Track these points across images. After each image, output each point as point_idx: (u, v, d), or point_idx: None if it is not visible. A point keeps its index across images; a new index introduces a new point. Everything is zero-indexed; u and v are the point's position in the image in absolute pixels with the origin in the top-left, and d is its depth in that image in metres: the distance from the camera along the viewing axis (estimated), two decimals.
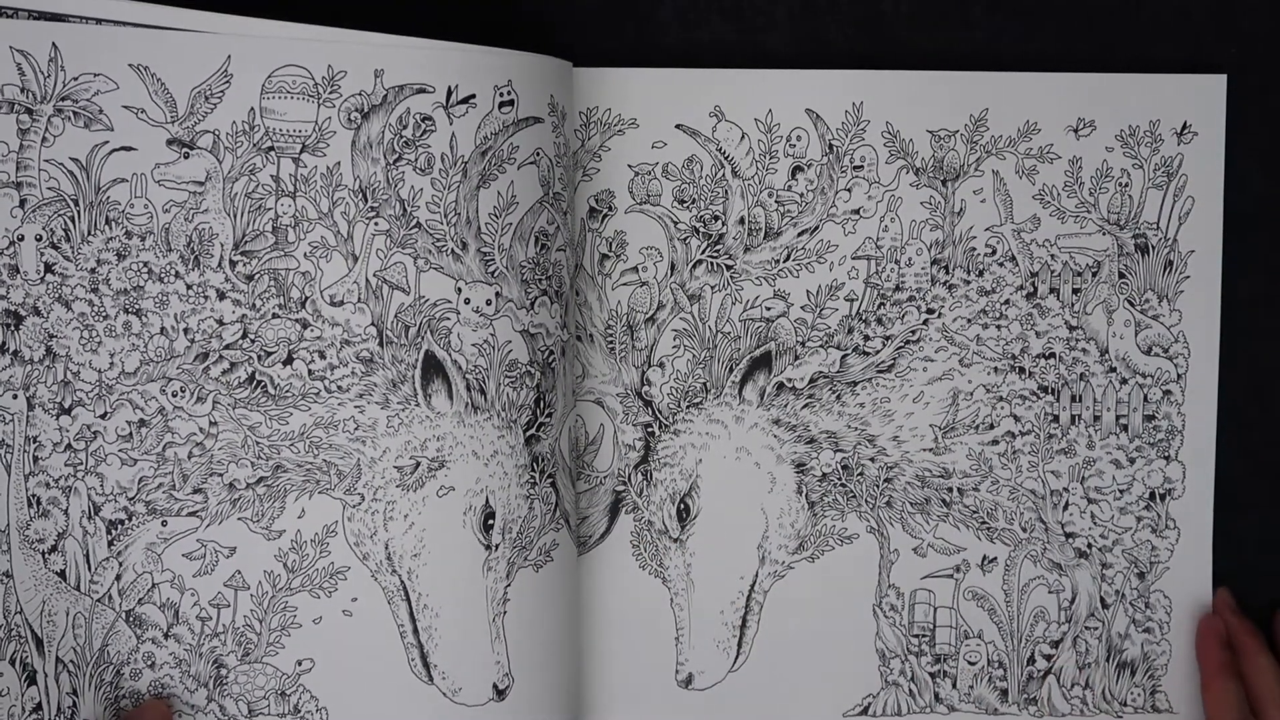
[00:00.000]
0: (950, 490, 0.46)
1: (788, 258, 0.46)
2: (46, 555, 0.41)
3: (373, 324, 0.41)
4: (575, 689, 0.44)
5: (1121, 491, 0.46)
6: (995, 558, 0.46)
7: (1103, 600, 0.46)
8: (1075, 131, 0.46)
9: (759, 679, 0.45)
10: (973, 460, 0.46)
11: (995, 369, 0.46)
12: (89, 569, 0.41)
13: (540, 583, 0.43)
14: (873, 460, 0.46)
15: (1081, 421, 0.46)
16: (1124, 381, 0.46)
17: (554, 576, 0.43)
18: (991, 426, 0.46)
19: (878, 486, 0.46)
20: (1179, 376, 0.46)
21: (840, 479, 0.46)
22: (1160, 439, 0.46)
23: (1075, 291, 0.46)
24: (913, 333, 0.46)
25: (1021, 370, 0.46)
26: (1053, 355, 0.46)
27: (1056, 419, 0.46)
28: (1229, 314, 0.46)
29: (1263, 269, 0.47)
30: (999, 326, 0.46)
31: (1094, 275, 0.46)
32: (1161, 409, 0.46)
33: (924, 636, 0.46)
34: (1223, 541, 0.47)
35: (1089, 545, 0.46)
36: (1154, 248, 0.46)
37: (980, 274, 0.46)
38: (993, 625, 0.46)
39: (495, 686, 0.42)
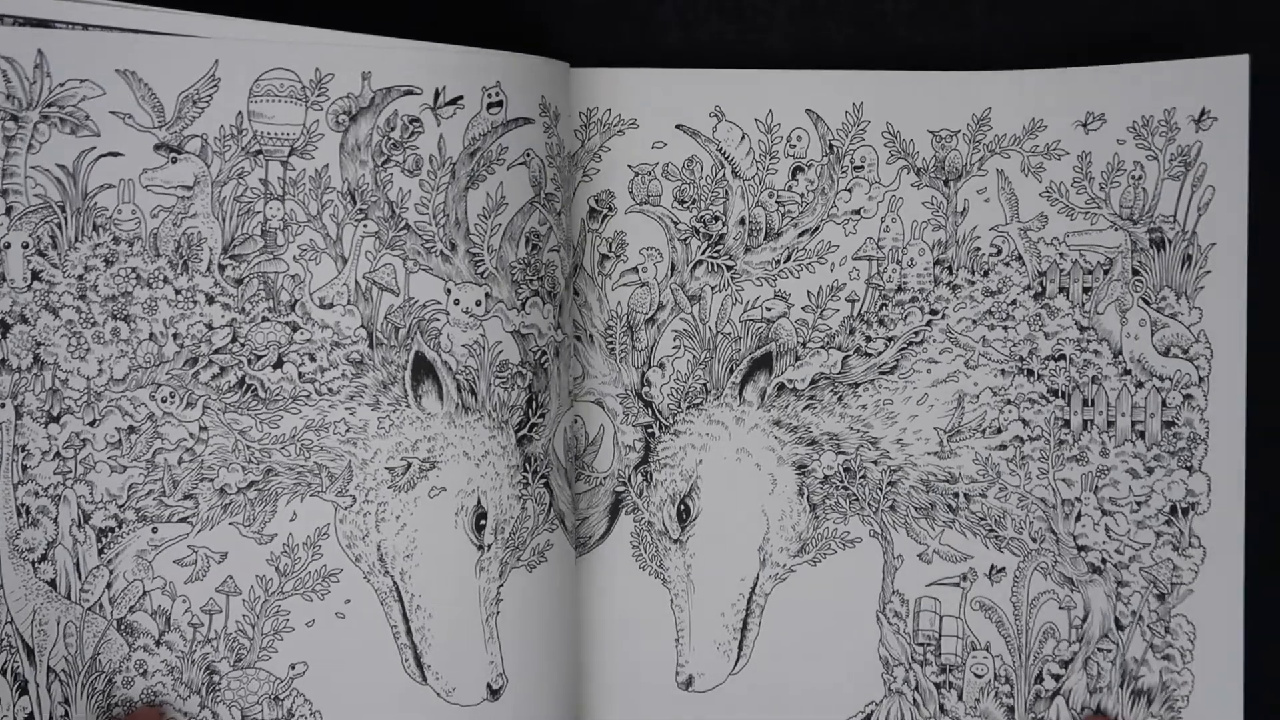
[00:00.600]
0: (956, 495, 0.45)
1: (788, 258, 0.45)
2: (36, 564, 0.40)
3: (362, 326, 0.41)
4: (572, 689, 0.44)
5: (1139, 504, 0.44)
6: (1004, 568, 0.45)
7: (1118, 621, 0.44)
8: (1084, 126, 0.45)
9: (760, 682, 0.45)
10: (980, 465, 0.45)
11: (1003, 371, 0.45)
12: (79, 577, 0.41)
13: (534, 583, 0.42)
14: (875, 463, 0.45)
15: (1094, 427, 0.44)
16: (1140, 385, 0.44)
17: (548, 577, 0.43)
18: (999, 430, 0.45)
19: (880, 490, 0.45)
20: (1201, 380, 0.44)
21: (842, 481, 0.45)
22: (1181, 447, 0.44)
23: (1086, 291, 0.44)
24: (916, 334, 0.45)
25: (1030, 373, 0.45)
26: (1063, 357, 0.45)
27: (1068, 424, 0.44)
28: (1254, 311, 0.44)
29: None
30: (1005, 328, 0.45)
31: (1105, 273, 0.44)
32: (1182, 414, 0.44)
33: (929, 645, 0.45)
34: (1250, 563, 0.44)
35: (1103, 560, 0.44)
36: (1171, 242, 0.44)
37: (985, 274, 0.45)
38: (1000, 638, 0.45)
39: (489, 686, 0.42)
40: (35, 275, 0.40)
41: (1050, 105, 0.45)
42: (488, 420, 0.42)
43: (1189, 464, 0.44)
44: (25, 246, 0.40)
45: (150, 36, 0.40)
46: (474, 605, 0.42)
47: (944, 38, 0.47)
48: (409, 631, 0.42)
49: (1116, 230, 0.45)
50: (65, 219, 0.40)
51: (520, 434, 0.42)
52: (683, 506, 0.45)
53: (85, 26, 0.40)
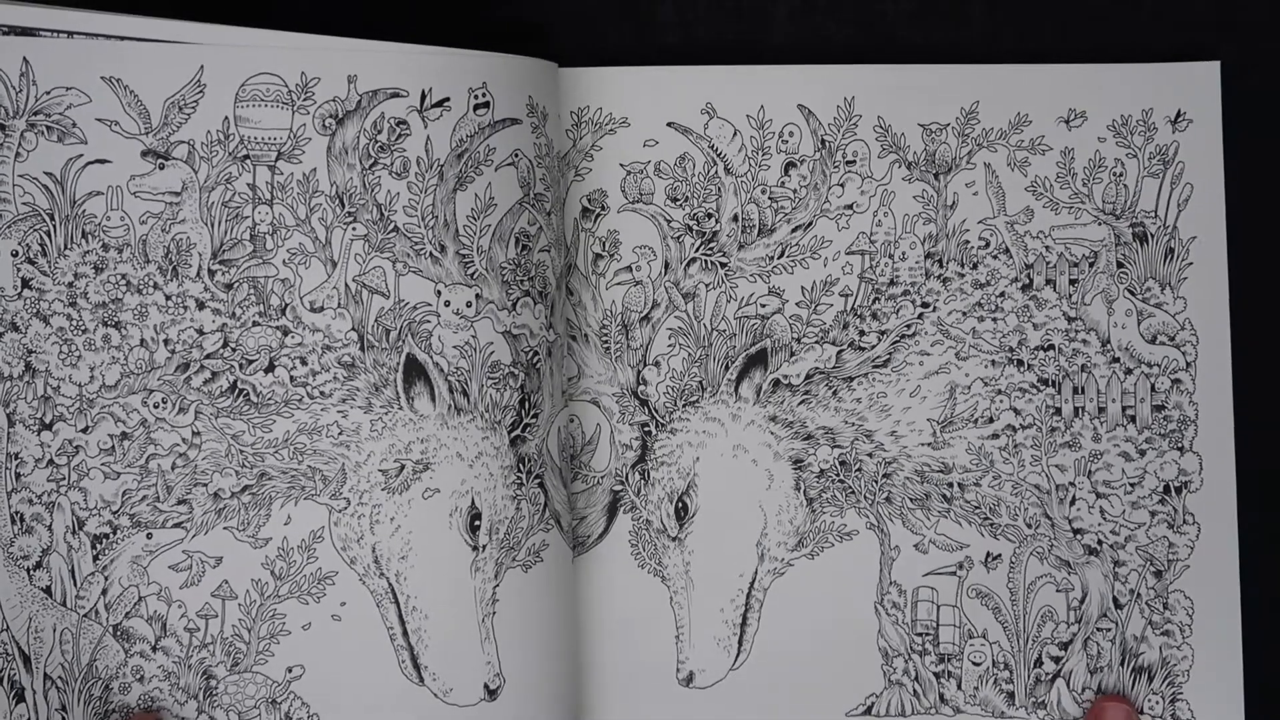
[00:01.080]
0: (951, 485, 0.45)
1: (782, 254, 0.45)
2: (31, 572, 0.40)
3: (353, 329, 0.41)
4: (571, 688, 0.44)
5: (1132, 485, 0.45)
6: (999, 554, 0.45)
7: (1116, 600, 0.45)
8: (1066, 123, 0.45)
9: (761, 677, 0.45)
10: (973, 455, 0.45)
11: (993, 362, 0.45)
12: (75, 584, 0.41)
13: (530, 583, 0.43)
14: (870, 456, 0.45)
15: (1085, 414, 0.45)
16: (1129, 372, 0.45)
17: (544, 577, 0.43)
18: (991, 420, 0.45)
19: (876, 482, 0.45)
20: (1188, 364, 0.45)
21: (838, 475, 0.45)
22: (1172, 429, 0.45)
23: (1072, 283, 0.45)
24: (908, 327, 0.45)
25: (1020, 363, 0.45)
26: (1052, 347, 0.45)
27: (1059, 411, 0.45)
28: (1236, 299, 0.45)
29: (1269, 253, 0.46)
30: (995, 319, 0.45)
31: (1091, 266, 0.45)
32: (1171, 398, 0.45)
33: (927, 635, 0.45)
34: (1243, 536, 0.45)
35: (1099, 542, 0.45)
36: (1153, 236, 0.45)
37: (974, 266, 0.45)
38: (998, 625, 0.45)
39: (486, 686, 0.42)
40: (25, 283, 0.40)
41: (1034, 101, 0.45)
42: (480, 421, 0.42)
43: (1180, 444, 0.45)
44: (15, 254, 0.40)
45: (135, 43, 0.40)
46: (470, 606, 0.42)
47: (943, 37, 0.47)
48: (405, 633, 0.42)
49: (1100, 224, 0.46)
50: (54, 227, 0.40)
51: (513, 434, 0.42)
52: (681, 504, 0.45)
53: (70, 34, 0.40)
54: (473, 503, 0.42)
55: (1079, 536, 0.45)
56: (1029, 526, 0.45)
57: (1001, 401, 0.45)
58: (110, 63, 0.40)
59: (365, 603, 0.42)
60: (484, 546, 0.42)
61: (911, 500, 0.45)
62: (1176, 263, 0.45)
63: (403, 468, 0.41)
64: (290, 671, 0.42)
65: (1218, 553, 0.45)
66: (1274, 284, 0.47)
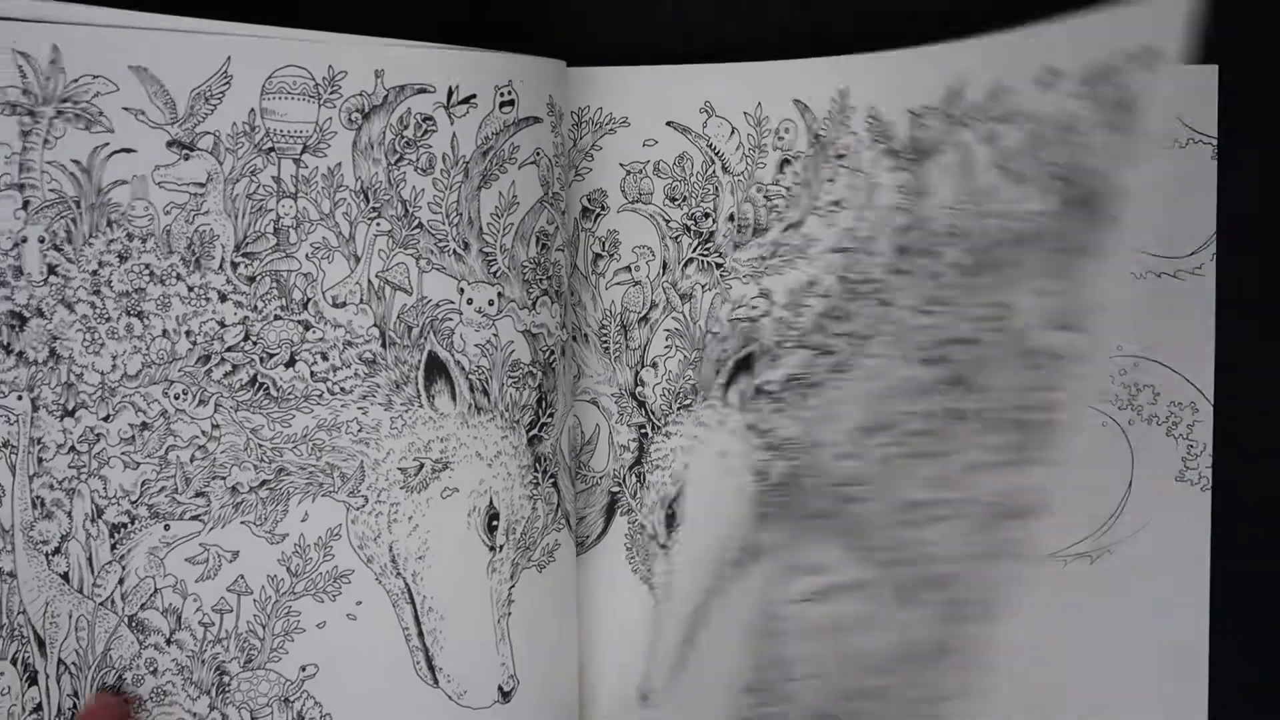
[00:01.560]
0: (846, 501, 0.43)
1: (774, 254, 0.45)
2: (50, 557, 0.40)
3: (375, 325, 0.41)
4: (581, 690, 0.44)
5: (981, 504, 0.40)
6: (859, 582, 0.42)
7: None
8: (1044, 85, 0.41)
9: (693, 707, 0.43)
10: (872, 468, 0.42)
11: (922, 360, 0.42)
12: (92, 572, 0.41)
13: (544, 583, 0.42)
14: (810, 469, 0.43)
15: (978, 417, 0.41)
16: (1036, 369, 0.40)
17: (557, 577, 0.43)
18: (893, 426, 0.43)
19: (806, 497, 0.43)
20: (1085, 355, 0.39)
21: (784, 491, 0.44)
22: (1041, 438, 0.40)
23: (1006, 265, 0.41)
24: (869, 328, 0.44)
25: (938, 360, 0.42)
26: (970, 340, 0.42)
27: (962, 415, 0.41)
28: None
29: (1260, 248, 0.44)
30: (930, 313, 0.42)
31: (1026, 243, 0.41)
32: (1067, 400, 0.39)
33: (766, 688, 0.43)
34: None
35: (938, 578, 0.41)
36: (1098, 199, 0.40)
37: (933, 256, 0.43)
38: (817, 679, 0.42)
39: (500, 688, 0.42)
40: (51, 269, 0.40)
41: (1015, 67, 0.42)
42: (500, 420, 0.42)
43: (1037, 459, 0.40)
44: (41, 241, 0.40)
45: (163, 33, 0.40)
46: (486, 607, 0.42)
47: (933, 12, 0.45)
48: (421, 634, 0.42)
49: (1047, 194, 0.41)
50: (79, 214, 0.40)
51: (531, 434, 0.42)
52: (670, 511, 0.45)
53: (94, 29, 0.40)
54: (491, 502, 0.42)
55: (923, 566, 0.41)
56: (888, 549, 0.41)
57: (912, 404, 0.42)
58: (137, 52, 0.40)
59: (381, 602, 0.41)
60: (501, 547, 0.42)
61: (820, 517, 0.43)
62: (1119, 231, 0.39)
63: (422, 466, 0.41)
64: (304, 670, 0.41)
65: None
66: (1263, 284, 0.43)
